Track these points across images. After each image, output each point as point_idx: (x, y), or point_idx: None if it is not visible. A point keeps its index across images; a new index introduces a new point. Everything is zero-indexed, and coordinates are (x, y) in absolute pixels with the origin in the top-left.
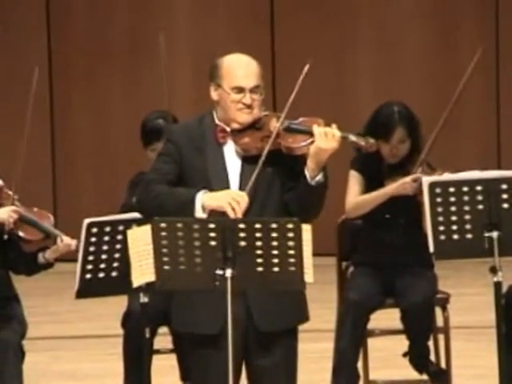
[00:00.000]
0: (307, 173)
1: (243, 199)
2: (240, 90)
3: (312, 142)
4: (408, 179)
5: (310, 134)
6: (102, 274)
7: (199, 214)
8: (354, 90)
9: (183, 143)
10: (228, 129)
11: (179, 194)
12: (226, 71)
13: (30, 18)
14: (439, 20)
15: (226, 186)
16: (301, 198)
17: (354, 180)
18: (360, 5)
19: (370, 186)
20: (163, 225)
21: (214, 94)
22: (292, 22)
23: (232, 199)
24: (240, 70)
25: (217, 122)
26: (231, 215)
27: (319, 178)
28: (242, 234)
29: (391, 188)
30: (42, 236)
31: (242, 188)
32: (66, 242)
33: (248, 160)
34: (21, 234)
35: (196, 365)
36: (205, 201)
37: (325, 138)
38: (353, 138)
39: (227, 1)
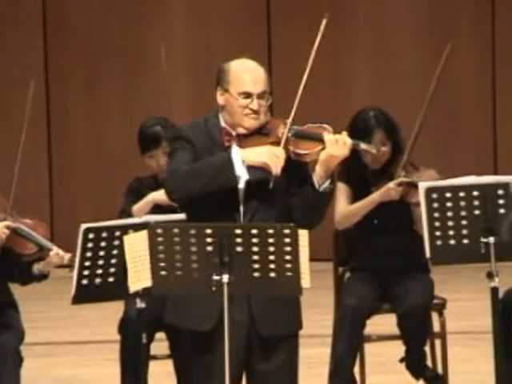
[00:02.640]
0: (315, 179)
1: (283, 156)
2: (248, 95)
3: (322, 149)
4: (392, 184)
5: (321, 140)
6: (98, 280)
7: (241, 171)
8: (349, 95)
9: (193, 138)
10: (233, 133)
11: (210, 161)
12: (234, 76)
13: (25, 24)
14: (435, 28)
15: (233, 188)
16: (306, 204)
17: (341, 191)
18: (357, 10)
19: (357, 194)
20: (159, 230)
21: (220, 99)
22: (289, 26)
23: (274, 155)
24: (248, 75)
25: (223, 125)
26: (273, 171)
27: (327, 184)
28: (238, 240)
29: (376, 195)
30: (36, 249)
31: (246, 190)
32: (60, 255)
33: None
34: (14, 248)
35: (193, 369)
36: (244, 156)
37: (336, 146)
38: (363, 145)
39: (223, 5)
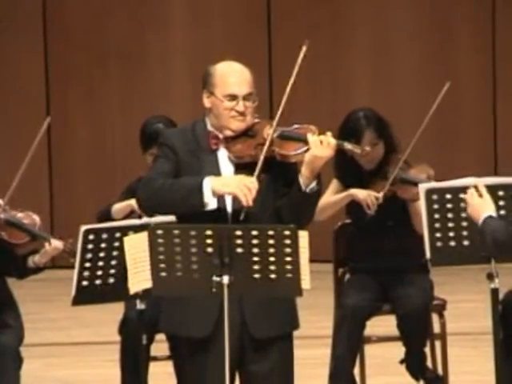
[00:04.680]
0: (301, 180)
1: (254, 186)
2: (233, 97)
3: (307, 150)
4: (373, 196)
5: (305, 141)
6: (98, 281)
7: (209, 199)
8: (349, 95)
9: (178, 146)
10: (221, 136)
11: (184, 182)
12: (219, 79)
13: (25, 24)
14: (436, 27)
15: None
16: (294, 205)
17: (332, 186)
18: (357, 11)
19: None
20: (160, 231)
21: (207, 102)
22: (289, 26)
23: (244, 186)
24: (233, 77)
25: (209, 128)
26: (243, 202)
27: (313, 185)
28: (238, 241)
29: (356, 195)
30: (29, 238)
31: (234, 211)
32: (53, 244)
33: (241, 167)
34: (6, 237)
35: (190, 372)
36: (214, 186)
37: (320, 146)
38: (348, 145)
39: (223, 5)
